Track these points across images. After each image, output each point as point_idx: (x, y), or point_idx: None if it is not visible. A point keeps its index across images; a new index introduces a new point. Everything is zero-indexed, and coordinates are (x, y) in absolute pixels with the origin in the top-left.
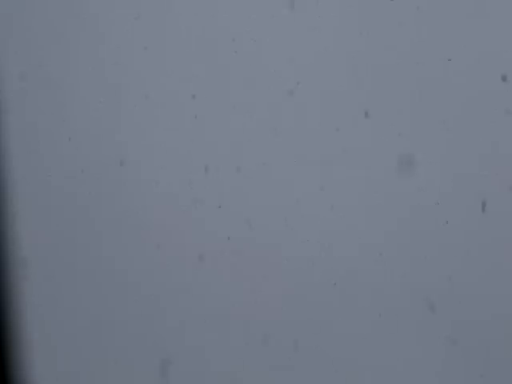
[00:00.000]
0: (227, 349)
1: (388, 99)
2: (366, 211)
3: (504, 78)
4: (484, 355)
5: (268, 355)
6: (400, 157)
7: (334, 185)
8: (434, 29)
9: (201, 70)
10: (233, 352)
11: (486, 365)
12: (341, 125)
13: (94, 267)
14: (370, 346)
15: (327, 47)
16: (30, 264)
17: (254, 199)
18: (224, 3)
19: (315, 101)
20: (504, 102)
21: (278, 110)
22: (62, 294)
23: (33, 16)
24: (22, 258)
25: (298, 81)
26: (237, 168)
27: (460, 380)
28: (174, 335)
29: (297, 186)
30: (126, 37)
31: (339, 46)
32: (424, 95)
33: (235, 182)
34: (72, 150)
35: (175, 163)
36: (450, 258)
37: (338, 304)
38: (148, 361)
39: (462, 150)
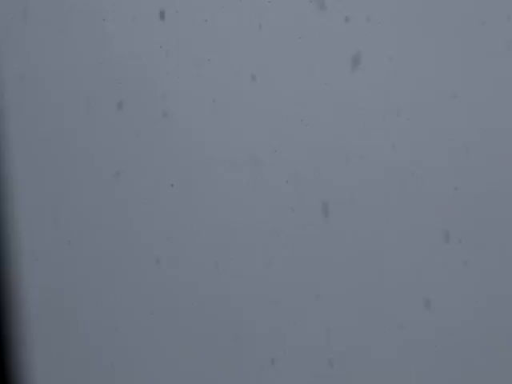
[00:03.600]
0: None
1: None
2: None
3: None
4: None
5: None
6: None
7: None
8: None
9: None
10: None
11: None
12: None
13: (94, 267)
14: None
15: None
16: (30, 263)
17: None
18: None
19: None
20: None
21: None
22: (63, 293)
23: (33, 17)
24: (23, 257)
25: None
26: None
27: None
28: None
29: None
30: (126, 37)
31: None
32: None
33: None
34: (72, 151)
35: None
36: None
37: None
38: (150, 362)
39: None
